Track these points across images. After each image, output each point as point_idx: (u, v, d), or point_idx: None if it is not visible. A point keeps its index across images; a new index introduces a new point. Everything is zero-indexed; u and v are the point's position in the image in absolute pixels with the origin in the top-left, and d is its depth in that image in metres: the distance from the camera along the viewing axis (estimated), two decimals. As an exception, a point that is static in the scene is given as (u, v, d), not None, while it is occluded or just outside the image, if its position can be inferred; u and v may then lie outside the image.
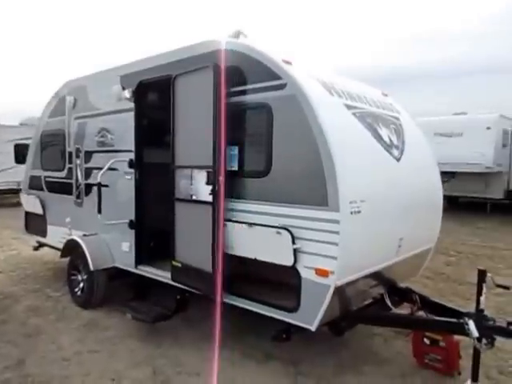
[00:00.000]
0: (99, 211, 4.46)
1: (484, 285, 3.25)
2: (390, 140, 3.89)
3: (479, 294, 3.32)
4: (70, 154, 5.78)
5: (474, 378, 3.32)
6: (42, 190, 6.52)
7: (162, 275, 4.37)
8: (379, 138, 3.74)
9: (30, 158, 6.92)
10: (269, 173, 3.39)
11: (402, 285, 4.32)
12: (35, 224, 6.74)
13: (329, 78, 3.82)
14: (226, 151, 3.59)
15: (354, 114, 3.61)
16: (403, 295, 4.19)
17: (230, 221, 3.61)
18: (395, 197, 3.69)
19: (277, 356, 3.88)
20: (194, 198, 3.78)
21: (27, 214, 6.99)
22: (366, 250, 3.33)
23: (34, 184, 6.72)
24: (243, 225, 3.51)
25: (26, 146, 18.29)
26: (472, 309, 3.34)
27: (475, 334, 3.20)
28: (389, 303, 3.95)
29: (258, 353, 3.94)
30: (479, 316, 3.26)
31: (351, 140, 3.42)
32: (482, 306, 3.26)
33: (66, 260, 7.32)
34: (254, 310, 3.53)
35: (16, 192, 16.66)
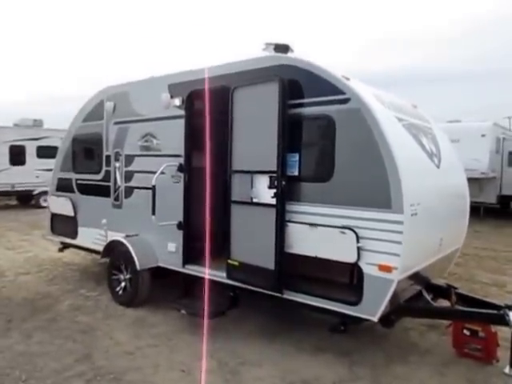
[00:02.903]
0: (153, 213, 4.68)
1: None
2: (431, 149, 4.27)
3: (518, 288, 3.71)
4: (108, 157, 5.98)
5: (513, 364, 3.70)
6: (72, 192, 6.67)
7: (212, 273, 4.62)
8: (423, 147, 4.11)
9: (58, 160, 7.03)
10: (331, 178, 3.70)
11: (438, 282, 4.70)
12: (63, 226, 6.86)
13: (376, 91, 4.16)
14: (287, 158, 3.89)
15: (403, 125, 3.96)
16: (438, 291, 4.55)
17: (290, 222, 3.91)
18: (438, 200, 4.07)
19: (326, 348, 4.17)
20: (254, 200, 4.06)
21: (53, 215, 7.12)
22: (420, 248, 3.69)
23: (63, 186, 6.84)
24: (305, 225, 3.81)
25: (22, 148, 18.03)
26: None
27: (516, 324, 3.58)
28: (428, 298, 4.29)
29: (307, 346, 4.23)
30: (519, 308, 3.64)
31: (406, 149, 3.77)
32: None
33: (87, 261, 7.55)
34: (314, 304, 3.82)
35: (9, 194, 16.47)
